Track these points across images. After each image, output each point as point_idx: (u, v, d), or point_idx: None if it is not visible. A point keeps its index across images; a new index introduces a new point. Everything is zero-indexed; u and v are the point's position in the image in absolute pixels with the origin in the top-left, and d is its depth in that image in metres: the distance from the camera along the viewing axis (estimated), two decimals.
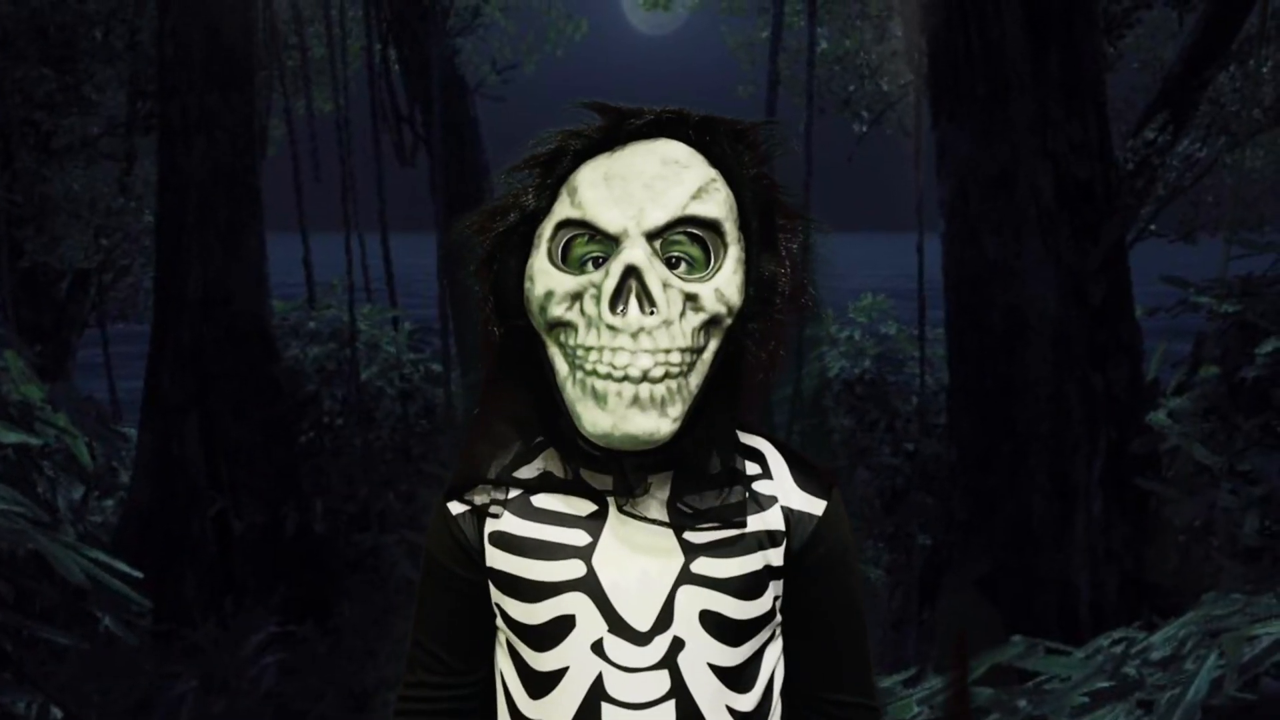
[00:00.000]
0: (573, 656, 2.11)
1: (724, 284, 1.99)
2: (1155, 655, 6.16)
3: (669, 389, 1.95)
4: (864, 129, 18.86)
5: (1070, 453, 9.38)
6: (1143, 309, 10.03)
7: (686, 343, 1.95)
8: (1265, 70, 13.67)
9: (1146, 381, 10.06)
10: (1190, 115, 13.75)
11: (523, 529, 2.16)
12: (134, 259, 17.78)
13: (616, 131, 2.08)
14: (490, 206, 2.14)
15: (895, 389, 15.07)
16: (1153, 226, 15.09)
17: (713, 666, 2.10)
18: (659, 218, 1.95)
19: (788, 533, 2.15)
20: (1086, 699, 6.08)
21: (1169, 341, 11.26)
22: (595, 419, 1.95)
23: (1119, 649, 6.43)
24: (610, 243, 1.97)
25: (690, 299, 1.96)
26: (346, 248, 14.57)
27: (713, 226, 1.99)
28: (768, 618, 2.16)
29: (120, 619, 8.34)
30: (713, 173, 2.04)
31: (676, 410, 1.97)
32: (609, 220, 1.96)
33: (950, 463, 10.78)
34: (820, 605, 2.22)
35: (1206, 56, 13.22)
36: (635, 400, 1.93)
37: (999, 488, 9.71)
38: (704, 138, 2.08)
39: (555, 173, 2.09)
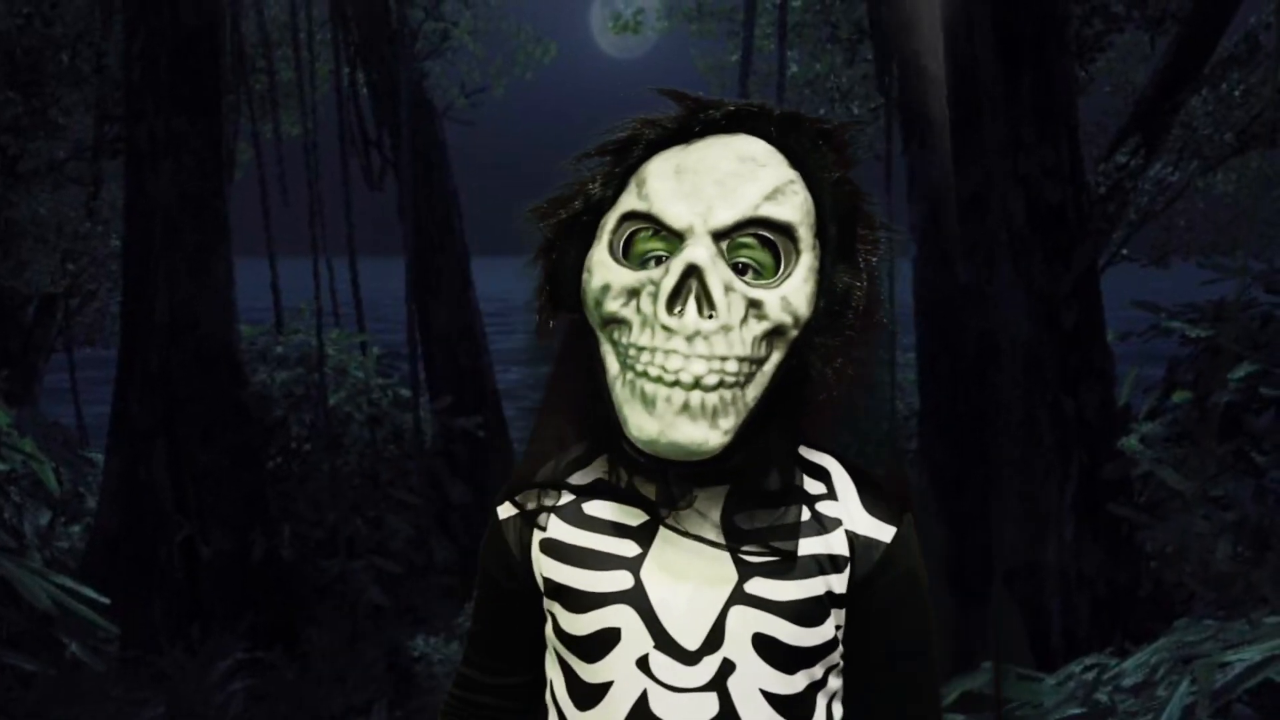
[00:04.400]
0: (618, 671, 2.04)
1: (792, 293, 1.90)
2: (1127, 681, 6.14)
3: (722, 399, 1.86)
4: None
5: (1042, 478, 9.36)
6: (1115, 333, 10.05)
7: (746, 351, 1.87)
8: (1237, 94, 13.69)
9: (1118, 406, 10.06)
10: (1162, 139, 13.78)
11: (572, 537, 2.10)
12: (101, 283, 17.79)
13: (693, 122, 2.01)
14: (557, 192, 2.06)
15: (866, 414, 15.05)
16: (1125, 251, 15.12)
17: (766, 694, 2.01)
18: (728, 216, 1.87)
19: (852, 558, 2.04)
20: None
21: (1141, 366, 11.26)
22: (642, 424, 1.87)
23: (1091, 675, 6.40)
24: (675, 240, 1.89)
25: (754, 305, 1.88)
26: (314, 272, 14.52)
27: (785, 230, 1.91)
28: (828, 647, 2.05)
29: (87, 645, 8.32)
30: (792, 174, 1.96)
31: (729, 422, 1.88)
32: (675, 215, 1.88)
33: (921, 488, 10.77)
34: (885, 639, 2.10)
35: (1178, 80, 13.26)
36: (685, 407, 1.85)
37: (970, 513, 9.70)
38: (786, 136, 2.00)
39: (626, 162, 2.03)
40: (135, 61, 12.35)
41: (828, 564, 2.02)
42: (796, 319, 1.90)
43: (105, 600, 8.11)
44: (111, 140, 16.43)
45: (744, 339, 1.86)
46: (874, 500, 2.09)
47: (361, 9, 15.95)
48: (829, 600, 2.02)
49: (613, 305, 1.92)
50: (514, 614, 2.23)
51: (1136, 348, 10.04)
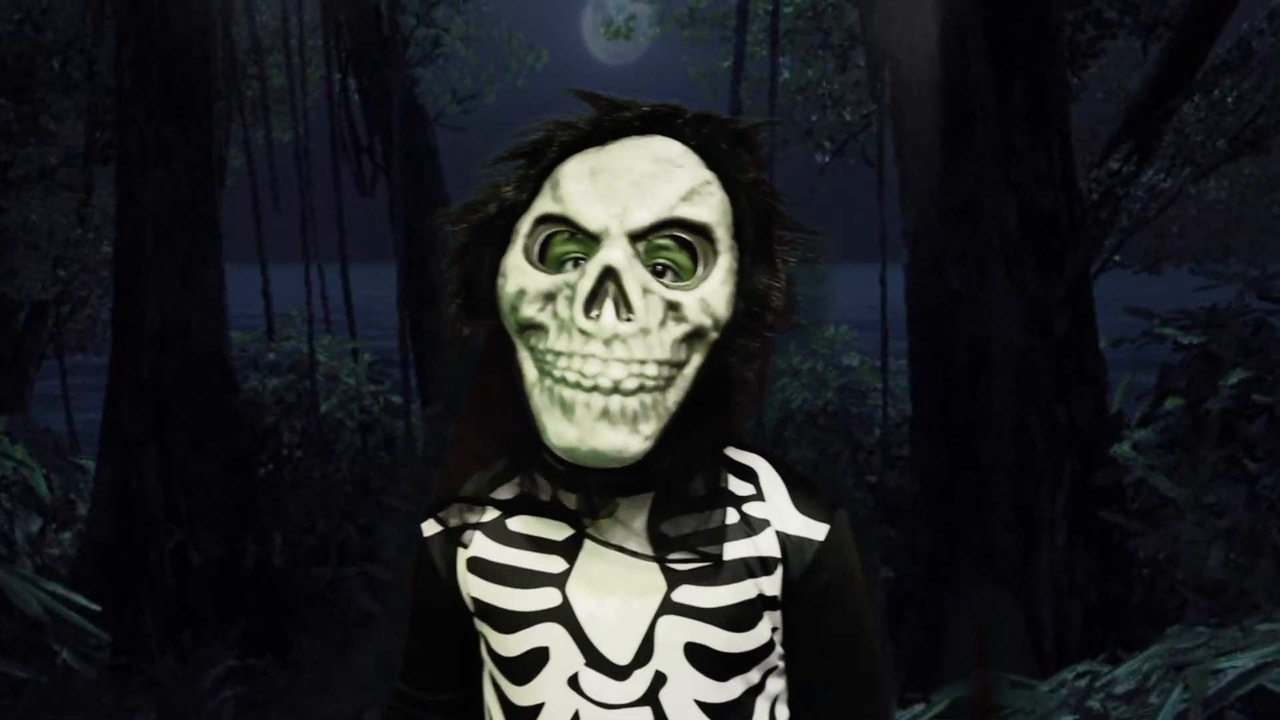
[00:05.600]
0: (548, 692, 2.00)
1: (711, 294, 1.87)
2: (1120, 688, 6.11)
3: (642, 403, 1.82)
4: (826, 159, 18.86)
5: (1034, 485, 9.33)
6: (1107, 340, 10.01)
7: (665, 355, 1.83)
8: (1230, 100, 13.68)
9: (1111, 413, 10.03)
10: (1155, 146, 13.75)
11: (498, 554, 2.06)
12: (92, 290, 17.80)
13: (607, 124, 1.97)
14: (470, 199, 2.02)
15: (858, 421, 15.05)
16: (1117, 257, 15.11)
17: (700, 704, 1.98)
18: (644, 218, 1.84)
19: (785, 560, 2.00)
20: None
21: (1133, 373, 11.24)
22: (561, 431, 1.83)
23: (1083, 682, 6.37)
24: (591, 243, 1.86)
25: (672, 307, 1.84)
26: (306, 278, 14.48)
27: (703, 231, 1.88)
28: (763, 651, 2.02)
29: (78, 652, 8.29)
30: (708, 174, 1.93)
31: (650, 427, 1.84)
32: (590, 217, 1.85)
33: (913, 495, 10.75)
34: (825, 639, 2.07)
35: (1171, 86, 13.23)
36: (605, 413, 1.80)
37: (962, 520, 9.66)
38: (701, 136, 1.97)
39: (539, 165, 1.98)
40: (126, 68, 12.35)
41: (758, 566, 1.99)
42: (716, 321, 1.88)
43: (96, 607, 8.07)
44: (103, 146, 16.44)
45: (663, 342, 1.83)
46: (805, 499, 2.06)
47: (353, 15, 15.93)
48: (761, 603, 2.00)
49: (529, 310, 1.88)
50: (446, 632, 2.21)
51: (1129, 354, 9.98)
